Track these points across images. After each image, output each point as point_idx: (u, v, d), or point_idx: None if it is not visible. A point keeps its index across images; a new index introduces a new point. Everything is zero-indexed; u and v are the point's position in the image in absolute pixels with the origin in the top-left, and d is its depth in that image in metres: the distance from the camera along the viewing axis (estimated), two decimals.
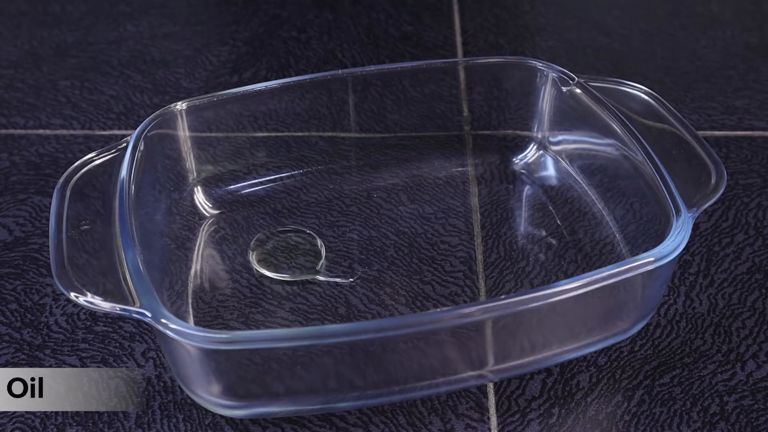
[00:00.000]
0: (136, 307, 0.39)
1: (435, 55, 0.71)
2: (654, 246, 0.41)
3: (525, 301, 0.39)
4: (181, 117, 0.52)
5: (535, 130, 0.58)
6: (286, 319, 0.48)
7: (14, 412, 0.43)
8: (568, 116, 0.55)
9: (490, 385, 0.45)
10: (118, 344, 0.47)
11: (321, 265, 0.50)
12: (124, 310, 0.39)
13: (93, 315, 0.48)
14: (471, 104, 0.61)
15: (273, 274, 0.50)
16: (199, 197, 0.55)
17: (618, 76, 0.55)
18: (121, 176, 0.46)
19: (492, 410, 0.44)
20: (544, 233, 0.53)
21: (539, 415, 0.44)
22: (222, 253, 0.52)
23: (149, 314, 0.39)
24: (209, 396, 0.41)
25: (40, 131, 0.63)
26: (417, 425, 0.43)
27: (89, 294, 0.40)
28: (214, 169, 0.55)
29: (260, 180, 0.56)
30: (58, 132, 0.62)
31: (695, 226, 0.50)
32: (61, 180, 0.46)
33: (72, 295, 0.40)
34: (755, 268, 0.51)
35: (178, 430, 0.43)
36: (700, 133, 0.61)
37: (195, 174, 0.55)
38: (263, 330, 0.47)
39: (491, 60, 0.58)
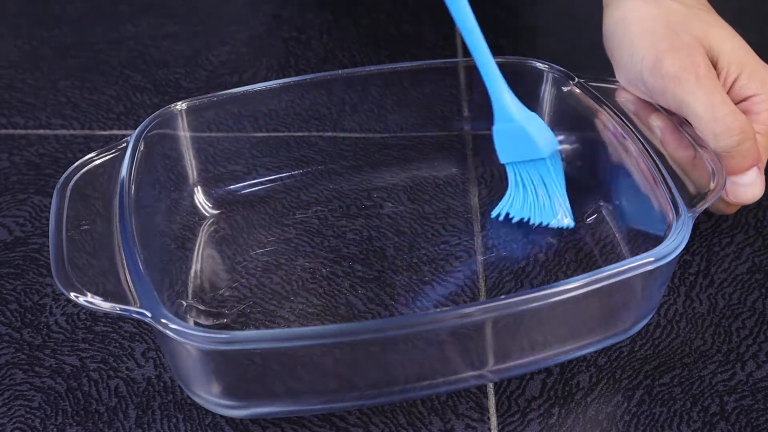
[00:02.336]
0: (136, 307, 0.39)
1: (435, 55, 0.71)
2: (654, 246, 0.41)
3: (525, 301, 0.39)
4: (181, 117, 0.52)
5: None
6: (286, 319, 0.48)
7: (14, 412, 0.43)
8: (568, 116, 0.55)
9: (490, 385, 0.45)
10: (118, 344, 0.47)
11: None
12: (124, 310, 0.39)
13: (93, 315, 0.48)
14: (471, 104, 0.61)
15: None
16: (199, 197, 0.55)
17: None
18: (121, 176, 0.46)
19: (492, 410, 0.44)
20: (544, 233, 0.53)
21: (539, 415, 0.44)
22: (222, 253, 0.52)
23: (149, 314, 0.39)
24: (209, 396, 0.41)
25: (40, 131, 0.63)
26: (417, 425, 0.43)
27: (89, 294, 0.40)
28: (214, 169, 0.55)
29: (260, 180, 0.56)
30: (58, 132, 0.62)
31: (695, 226, 0.50)
32: (61, 180, 0.46)
33: (72, 295, 0.40)
34: (755, 268, 0.51)
35: (178, 430, 0.43)
36: None
37: (195, 174, 0.55)
38: (263, 330, 0.47)
39: None
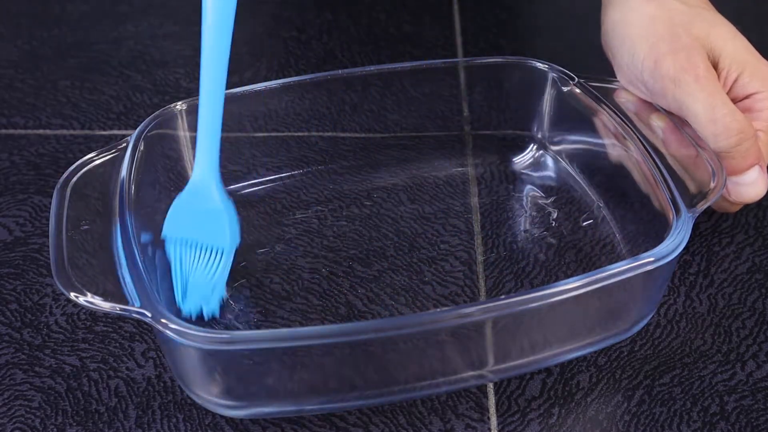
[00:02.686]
0: (136, 307, 0.39)
1: (435, 55, 0.71)
2: (654, 246, 0.41)
3: (525, 301, 0.39)
4: (181, 117, 0.52)
5: (535, 130, 0.58)
6: (286, 319, 0.48)
7: (14, 412, 0.43)
8: (568, 116, 0.55)
9: (490, 385, 0.45)
10: (118, 344, 0.47)
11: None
12: (124, 310, 0.39)
13: (93, 315, 0.48)
14: (471, 104, 0.61)
15: None
16: None
17: None
18: (121, 176, 0.46)
19: (492, 410, 0.44)
20: (544, 233, 0.53)
21: (539, 415, 0.44)
22: None
23: (149, 314, 0.39)
24: (209, 396, 0.41)
25: (40, 131, 0.63)
26: (417, 425, 0.43)
27: (89, 294, 0.40)
28: None
29: (260, 180, 0.56)
30: (58, 132, 0.62)
31: (695, 226, 0.50)
32: (61, 180, 0.46)
33: (72, 295, 0.40)
34: (755, 268, 0.51)
35: (178, 430, 0.43)
36: None
37: None
38: (263, 330, 0.47)
39: (491, 60, 0.58)
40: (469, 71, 0.61)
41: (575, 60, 0.66)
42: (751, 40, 0.51)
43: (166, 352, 0.42)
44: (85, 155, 0.48)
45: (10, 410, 0.44)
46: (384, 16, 0.76)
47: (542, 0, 0.81)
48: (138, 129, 0.49)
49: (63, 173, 0.47)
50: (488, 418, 0.44)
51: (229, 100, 0.54)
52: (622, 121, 0.50)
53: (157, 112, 0.51)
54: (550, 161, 0.57)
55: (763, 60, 0.50)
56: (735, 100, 0.50)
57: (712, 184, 0.45)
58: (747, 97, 0.50)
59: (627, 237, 0.51)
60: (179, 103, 0.52)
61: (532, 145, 0.58)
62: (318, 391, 0.42)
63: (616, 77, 0.54)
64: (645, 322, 0.46)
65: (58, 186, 0.46)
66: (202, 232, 0.47)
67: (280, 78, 0.63)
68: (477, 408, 0.44)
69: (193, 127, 0.53)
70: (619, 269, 0.40)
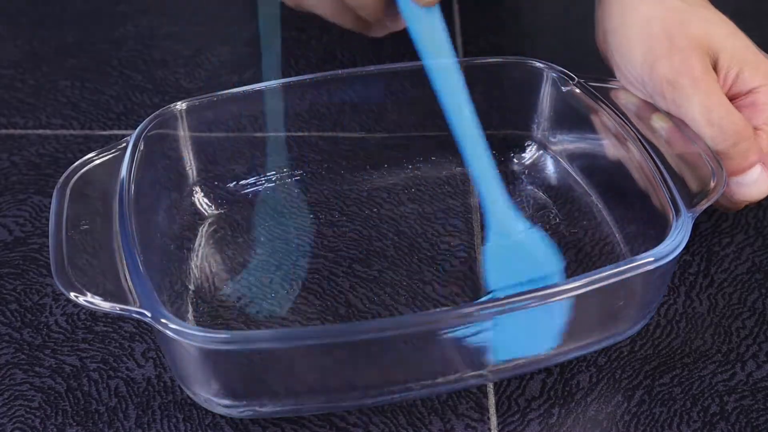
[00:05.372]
0: (136, 307, 0.39)
1: None
2: (654, 246, 0.41)
3: (525, 301, 0.39)
4: (181, 117, 0.52)
5: (535, 130, 0.58)
6: (286, 319, 0.48)
7: (14, 412, 0.43)
8: (568, 116, 0.55)
9: (490, 385, 0.45)
10: (118, 344, 0.47)
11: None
12: (124, 310, 0.39)
13: (93, 315, 0.48)
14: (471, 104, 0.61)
15: None
16: (199, 197, 0.55)
17: None
18: (121, 176, 0.46)
19: (492, 410, 0.44)
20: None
21: (539, 415, 0.44)
22: (222, 253, 0.52)
23: (149, 314, 0.39)
24: (209, 396, 0.41)
25: (40, 131, 0.63)
26: (417, 425, 0.43)
27: (89, 294, 0.40)
28: (214, 169, 0.55)
29: (260, 180, 0.56)
30: (58, 132, 0.62)
31: (695, 226, 0.50)
32: (61, 180, 0.46)
33: (72, 295, 0.40)
34: (755, 268, 0.51)
35: (178, 430, 0.43)
36: None
37: (195, 174, 0.55)
38: (263, 330, 0.47)
39: (491, 60, 0.58)
40: (469, 71, 0.61)
41: (575, 60, 0.66)
42: (751, 40, 0.51)
43: (166, 352, 0.42)
44: (85, 155, 0.48)
45: (10, 410, 0.44)
46: None
47: (542, 0, 0.81)
48: (138, 129, 0.49)
49: (63, 173, 0.47)
50: (488, 418, 0.44)
51: (229, 100, 0.54)
52: (622, 121, 0.50)
53: (157, 112, 0.51)
54: (550, 161, 0.57)
55: (763, 57, 0.50)
56: (737, 96, 0.50)
57: (712, 184, 0.45)
58: (749, 92, 0.50)
59: (627, 237, 0.51)
60: (179, 103, 0.52)
61: (532, 145, 0.58)
62: (318, 391, 0.42)
63: (615, 77, 0.54)
64: (645, 322, 0.46)
65: (58, 186, 0.46)
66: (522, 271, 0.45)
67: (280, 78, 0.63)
68: (477, 408, 0.44)
69: (193, 126, 0.53)
70: (619, 269, 0.40)
